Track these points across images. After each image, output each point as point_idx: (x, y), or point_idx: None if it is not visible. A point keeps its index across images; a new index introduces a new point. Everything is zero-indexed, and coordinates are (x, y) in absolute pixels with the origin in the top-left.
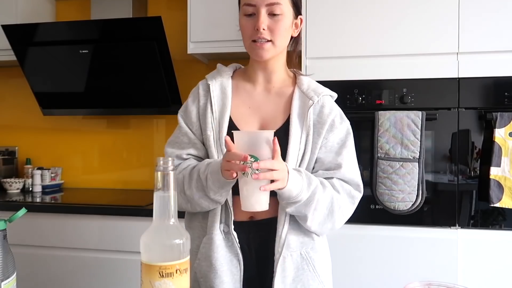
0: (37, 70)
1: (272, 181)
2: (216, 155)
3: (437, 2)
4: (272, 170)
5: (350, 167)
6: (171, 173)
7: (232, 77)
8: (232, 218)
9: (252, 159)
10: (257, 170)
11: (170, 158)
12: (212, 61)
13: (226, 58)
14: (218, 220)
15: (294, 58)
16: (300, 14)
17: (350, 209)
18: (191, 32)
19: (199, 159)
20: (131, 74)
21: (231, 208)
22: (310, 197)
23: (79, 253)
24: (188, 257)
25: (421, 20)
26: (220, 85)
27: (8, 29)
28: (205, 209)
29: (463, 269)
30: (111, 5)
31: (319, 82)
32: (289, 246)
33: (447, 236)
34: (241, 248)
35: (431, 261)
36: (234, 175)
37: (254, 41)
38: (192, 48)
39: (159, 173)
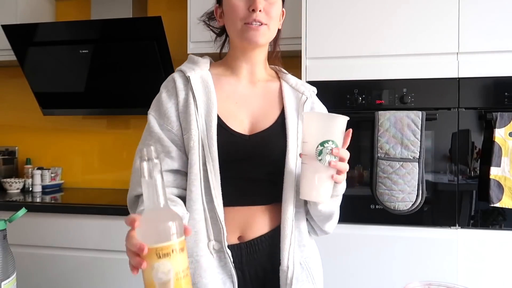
0: (37, 70)
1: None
2: (199, 161)
3: (437, 2)
4: (344, 159)
5: None
6: (155, 160)
7: (209, 69)
8: (225, 234)
9: (332, 144)
10: (334, 157)
11: (153, 148)
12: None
13: None
14: (204, 239)
15: (274, 55)
16: (283, 6)
17: None
18: (191, 32)
19: (173, 174)
20: (131, 74)
21: (223, 223)
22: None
23: (79, 253)
24: (183, 237)
25: (421, 20)
26: (200, 77)
27: (8, 29)
28: None
29: (463, 269)
30: (111, 5)
31: (319, 82)
32: (294, 257)
33: (447, 236)
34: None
35: (431, 261)
36: (136, 272)
37: (248, 23)
38: (192, 48)
39: (144, 163)
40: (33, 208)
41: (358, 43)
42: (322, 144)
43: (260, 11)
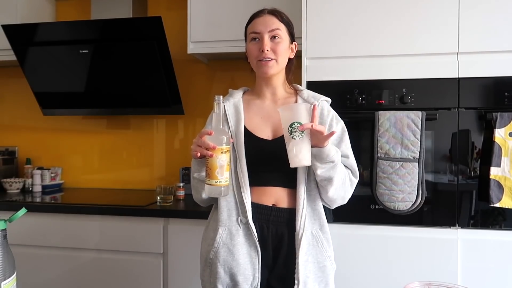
0: (37, 70)
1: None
2: (231, 160)
3: (437, 2)
4: (316, 130)
5: (352, 156)
6: (221, 104)
7: (242, 97)
8: (250, 212)
9: (298, 124)
10: (302, 132)
11: (221, 96)
12: (212, 61)
13: (226, 58)
14: (235, 215)
15: (290, 76)
16: (295, 41)
17: (351, 190)
18: (191, 32)
19: None
20: (131, 74)
21: (248, 204)
22: (337, 162)
23: (79, 253)
24: (229, 145)
25: (421, 20)
26: (233, 104)
27: (8, 29)
28: (202, 192)
29: (463, 269)
30: (111, 5)
31: (319, 82)
32: (305, 226)
33: (447, 236)
34: (260, 229)
35: (431, 261)
36: (198, 155)
37: (260, 60)
38: (192, 48)
39: (215, 103)
40: (33, 208)
41: (358, 43)
42: (290, 126)
43: (267, 50)
